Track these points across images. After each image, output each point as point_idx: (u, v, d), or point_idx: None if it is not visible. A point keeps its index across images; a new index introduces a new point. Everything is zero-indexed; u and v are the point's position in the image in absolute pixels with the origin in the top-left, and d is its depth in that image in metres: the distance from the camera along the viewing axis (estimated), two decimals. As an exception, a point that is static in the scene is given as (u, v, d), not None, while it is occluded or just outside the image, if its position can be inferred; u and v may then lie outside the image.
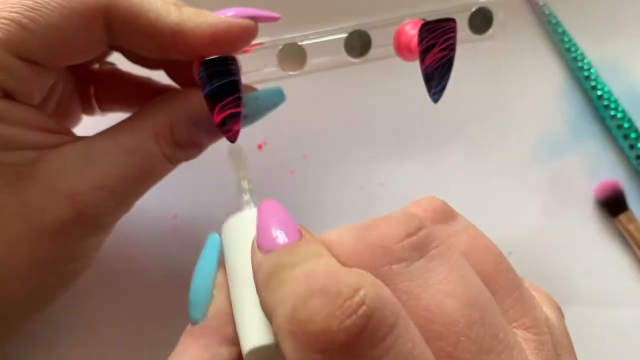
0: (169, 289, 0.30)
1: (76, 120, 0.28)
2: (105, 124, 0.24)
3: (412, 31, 0.27)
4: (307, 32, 0.27)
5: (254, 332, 0.19)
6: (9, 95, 0.21)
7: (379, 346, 0.14)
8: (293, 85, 0.28)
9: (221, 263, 0.22)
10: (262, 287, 0.17)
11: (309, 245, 0.17)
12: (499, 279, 0.18)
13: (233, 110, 0.22)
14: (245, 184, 0.24)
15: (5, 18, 0.20)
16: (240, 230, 0.21)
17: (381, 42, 0.28)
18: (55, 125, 0.23)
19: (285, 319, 0.15)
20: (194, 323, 0.21)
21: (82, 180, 0.22)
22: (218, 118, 0.22)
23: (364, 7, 0.31)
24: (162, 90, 0.29)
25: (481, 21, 0.29)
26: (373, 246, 0.17)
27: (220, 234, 0.22)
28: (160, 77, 0.29)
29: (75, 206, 0.22)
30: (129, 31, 0.22)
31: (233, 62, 0.22)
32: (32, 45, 0.20)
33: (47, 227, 0.21)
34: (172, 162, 0.25)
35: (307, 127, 0.34)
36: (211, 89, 0.22)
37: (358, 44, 0.28)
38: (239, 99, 0.22)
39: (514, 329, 0.17)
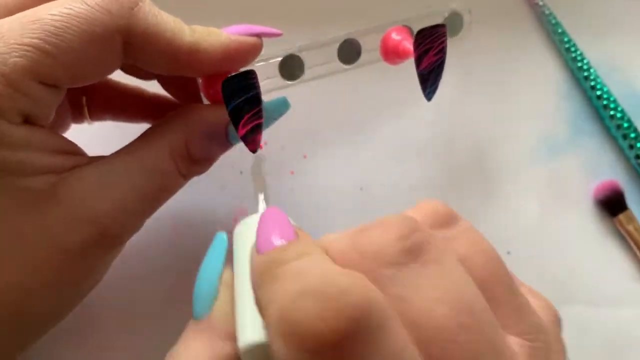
0: (168, 290, 0.30)
1: (64, 130, 0.28)
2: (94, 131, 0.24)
3: (397, 37, 0.29)
4: (303, 44, 0.28)
5: (249, 330, 0.19)
6: (28, 121, 0.21)
7: (368, 347, 0.14)
8: (293, 90, 0.29)
9: (230, 263, 0.22)
10: (256, 285, 0.17)
11: (302, 245, 0.17)
12: (496, 285, 0.18)
13: (256, 122, 0.23)
14: (261, 194, 0.24)
15: (27, 45, 0.20)
16: (248, 233, 0.21)
17: (369, 48, 0.30)
18: (70, 147, 0.23)
19: (275, 318, 0.15)
20: (197, 318, 0.21)
21: (103, 202, 0.22)
22: (242, 131, 0.23)
23: (352, 17, 0.32)
24: (153, 99, 0.29)
25: (454, 24, 0.31)
26: (363, 251, 0.17)
27: (230, 235, 0.22)
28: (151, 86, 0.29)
29: (97, 228, 0.22)
30: (146, 51, 0.22)
31: (254, 76, 0.23)
32: (54, 71, 0.20)
33: (69, 250, 0.21)
34: (186, 177, 0.25)
35: (307, 127, 0.34)
36: (236, 104, 0.23)
37: (349, 52, 0.29)
38: (260, 111, 0.23)
39: (509, 336, 0.17)
